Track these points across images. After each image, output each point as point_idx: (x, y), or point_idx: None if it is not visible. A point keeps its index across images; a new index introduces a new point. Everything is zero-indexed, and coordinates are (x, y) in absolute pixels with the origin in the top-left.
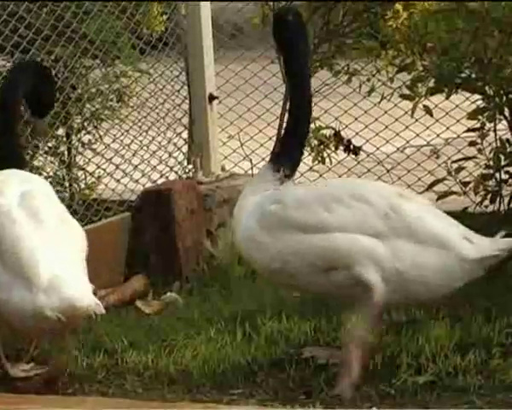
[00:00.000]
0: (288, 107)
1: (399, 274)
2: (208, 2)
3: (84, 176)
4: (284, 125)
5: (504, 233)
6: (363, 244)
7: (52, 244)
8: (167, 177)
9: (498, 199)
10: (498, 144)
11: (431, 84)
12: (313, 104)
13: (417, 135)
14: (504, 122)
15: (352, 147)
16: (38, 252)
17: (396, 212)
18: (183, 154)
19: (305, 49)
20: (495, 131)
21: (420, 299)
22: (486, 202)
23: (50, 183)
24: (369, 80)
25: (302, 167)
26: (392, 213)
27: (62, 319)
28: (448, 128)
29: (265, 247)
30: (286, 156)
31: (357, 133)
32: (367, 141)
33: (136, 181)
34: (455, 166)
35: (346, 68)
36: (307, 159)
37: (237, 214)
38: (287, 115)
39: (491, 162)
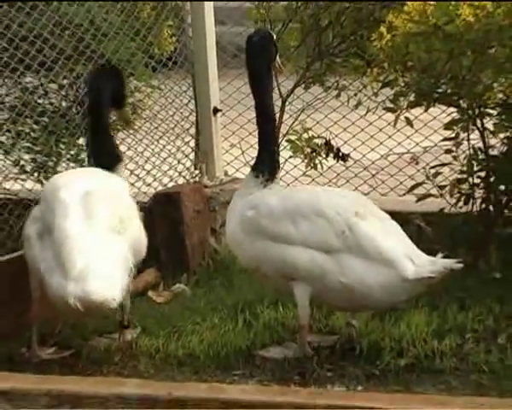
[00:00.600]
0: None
1: (344, 287)
2: (213, 26)
3: None
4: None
5: (443, 254)
6: (318, 262)
7: (96, 241)
8: (176, 181)
9: (471, 201)
10: (471, 152)
11: (411, 98)
12: (306, 116)
13: (399, 143)
14: (477, 132)
15: (341, 154)
16: (78, 245)
17: (352, 230)
18: (191, 160)
19: (266, 68)
20: (468, 140)
21: (364, 309)
22: (461, 204)
23: None
24: (356, 95)
25: (296, 172)
26: (347, 232)
27: (80, 308)
28: (426, 137)
29: (244, 248)
30: (263, 163)
31: (345, 142)
32: (354, 149)
33: (149, 185)
34: (433, 171)
35: (335, 84)
36: (301, 165)
37: (227, 216)
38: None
39: (465, 168)
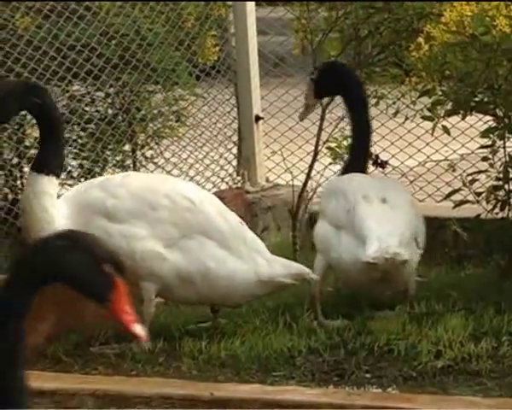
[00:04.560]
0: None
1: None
2: (255, 36)
3: None
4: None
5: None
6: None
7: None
8: (219, 187)
9: (507, 207)
10: (507, 159)
11: (449, 106)
12: (346, 124)
13: (437, 151)
14: None
15: (379, 161)
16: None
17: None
18: (233, 167)
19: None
20: (504, 147)
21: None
22: (497, 210)
23: None
24: (394, 103)
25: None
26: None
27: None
28: (463, 145)
29: None
30: (352, 167)
31: (384, 149)
32: (393, 156)
33: None
34: (469, 178)
35: (374, 93)
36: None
37: None
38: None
39: (501, 175)
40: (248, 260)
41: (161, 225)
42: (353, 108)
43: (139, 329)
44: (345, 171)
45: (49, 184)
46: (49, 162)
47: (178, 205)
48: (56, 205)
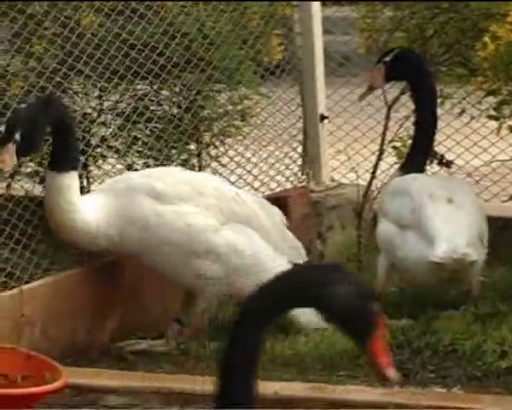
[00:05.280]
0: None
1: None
2: (321, 36)
3: None
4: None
5: None
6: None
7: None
8: (284, 186)
9: None
10: None
11: None
12: (411, 124)
13: (502, 151)
14: None
15: (444, 161)
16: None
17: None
18: (298, 166)
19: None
20: None
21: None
22: None
23: None
24: (459, 103)
25: None
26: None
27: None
28: None
29: None
30: (411, 164)
31: (449, 149)
32: (458, 156)
33: (256, 189)
34: None
35: (440, 92)
36: None
37: None
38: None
39: None
40: (289, 256)
41: (208, 210)
42: (420, 98)
43: (393, 373)
44: (403, 165)
45: (71, 179)
46: (66, 158)
47: (225, 194)
48: (84, 198)
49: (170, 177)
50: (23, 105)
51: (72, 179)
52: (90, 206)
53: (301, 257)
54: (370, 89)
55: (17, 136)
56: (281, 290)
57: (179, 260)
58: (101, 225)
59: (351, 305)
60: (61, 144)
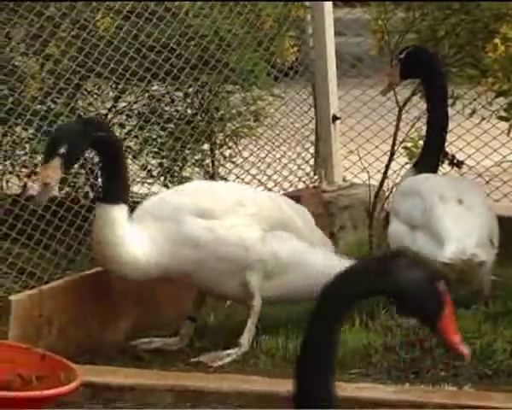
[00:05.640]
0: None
1: None
2: (333, 37)
3: None
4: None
5: None
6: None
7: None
8: (296, 186)
9: None
10: None
11: None
12: (422, 124)
13: None
14: None
15: (455, 161)
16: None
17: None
18: (310, 166)
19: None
20: None
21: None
22: None
23: None
24: (470, 103)
25: None
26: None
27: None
28: None
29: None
30: (424, 163)
31: (460, 149)
32: (468, 156)
33: (270, 189)
34: None
35: (451, 93)
36: None
37: None
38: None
39: None
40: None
41: (251, 219)
42: (432, 97)
43: (466, 349)
44: (416, 165)
45: (120, 212)
46: (116, 190)
47: (263, 202)
48: (130, 230)
49: (208, 192)
50: (64, 124)
51: (120, 212)
52: (137, 238)
53: (331, 250)
54: (390, 86)
55: (62, 150)
56: (355, 282)
57: (232, 272)
58: (151, 257)
59: (423, 289)
60: (111, 175)
